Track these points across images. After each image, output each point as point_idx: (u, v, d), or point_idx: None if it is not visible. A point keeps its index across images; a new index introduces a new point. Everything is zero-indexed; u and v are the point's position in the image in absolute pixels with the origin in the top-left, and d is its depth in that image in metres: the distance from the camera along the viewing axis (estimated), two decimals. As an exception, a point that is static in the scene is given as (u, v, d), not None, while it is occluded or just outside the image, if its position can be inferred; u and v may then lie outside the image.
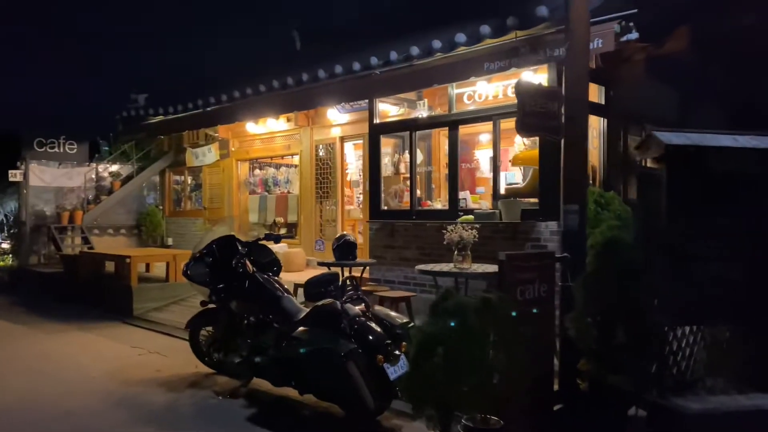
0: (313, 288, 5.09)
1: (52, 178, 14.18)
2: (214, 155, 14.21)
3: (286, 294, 5.47)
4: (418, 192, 8.47)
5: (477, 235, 5.93)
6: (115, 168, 15.25)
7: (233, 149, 13.92)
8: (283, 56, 11.78)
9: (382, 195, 8.76)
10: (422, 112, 8.61)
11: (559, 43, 6.01)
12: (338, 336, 4.47)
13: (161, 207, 15.70)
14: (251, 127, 13.14)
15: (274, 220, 13.51)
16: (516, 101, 4.95)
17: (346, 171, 11.93)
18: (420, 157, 9.15)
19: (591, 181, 6.98)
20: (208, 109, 11.32)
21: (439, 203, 8.55)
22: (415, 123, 8.40)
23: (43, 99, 15.68)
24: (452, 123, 7.88)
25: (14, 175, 13.50)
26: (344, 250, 7.00)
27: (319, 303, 4.81)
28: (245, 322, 5.60)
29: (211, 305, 5.97)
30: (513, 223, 6.94)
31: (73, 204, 14.32)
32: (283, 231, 13.24)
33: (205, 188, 14.70)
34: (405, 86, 7.97)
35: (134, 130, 13.00)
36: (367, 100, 10.38)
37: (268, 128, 13.00)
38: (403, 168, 8.98)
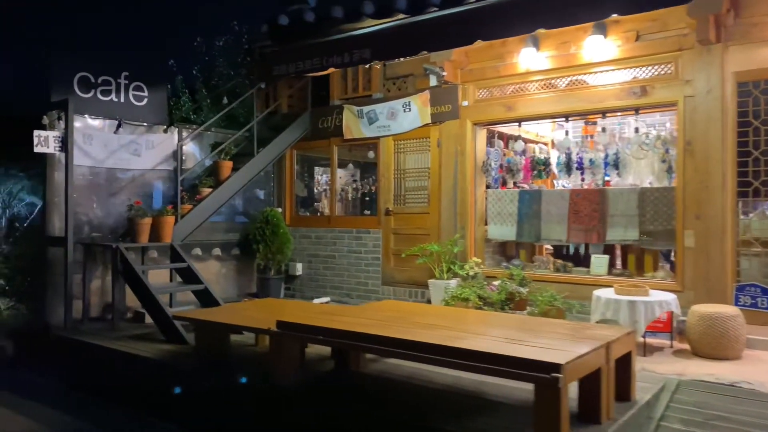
0: None
1: (106, 151, 7.31)
2: (417, 116, 7.75)
3: None
4: None
5: None
6: (216, 137, 8.46)
7: (465, 104, 7.49)
8: None
9: None
10: None
11: None
12: None
13: (280, 209, 9.06)
14: (526, 58, 6.83)
15: (540, 243, 7.19)
16: None
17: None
18: None
19: None
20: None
21: None
22: None
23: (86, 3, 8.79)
24: None
25: (41, 141, 6.54)
26: None
27: None
28: None
29: None
30: None
31: (147, 201, 7.49)
32: (570, 268, 6.94)
33: (386, 177, 8.19)
34: None
35: (303, 54, 6.35)
36: None
37: (569, 57, 6.69)
38: None
